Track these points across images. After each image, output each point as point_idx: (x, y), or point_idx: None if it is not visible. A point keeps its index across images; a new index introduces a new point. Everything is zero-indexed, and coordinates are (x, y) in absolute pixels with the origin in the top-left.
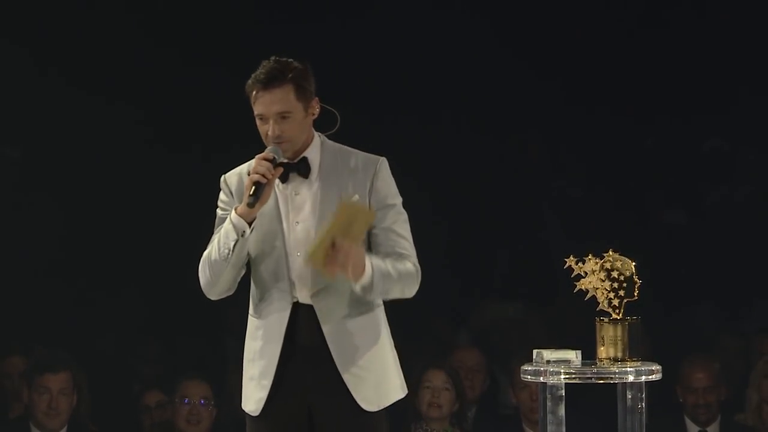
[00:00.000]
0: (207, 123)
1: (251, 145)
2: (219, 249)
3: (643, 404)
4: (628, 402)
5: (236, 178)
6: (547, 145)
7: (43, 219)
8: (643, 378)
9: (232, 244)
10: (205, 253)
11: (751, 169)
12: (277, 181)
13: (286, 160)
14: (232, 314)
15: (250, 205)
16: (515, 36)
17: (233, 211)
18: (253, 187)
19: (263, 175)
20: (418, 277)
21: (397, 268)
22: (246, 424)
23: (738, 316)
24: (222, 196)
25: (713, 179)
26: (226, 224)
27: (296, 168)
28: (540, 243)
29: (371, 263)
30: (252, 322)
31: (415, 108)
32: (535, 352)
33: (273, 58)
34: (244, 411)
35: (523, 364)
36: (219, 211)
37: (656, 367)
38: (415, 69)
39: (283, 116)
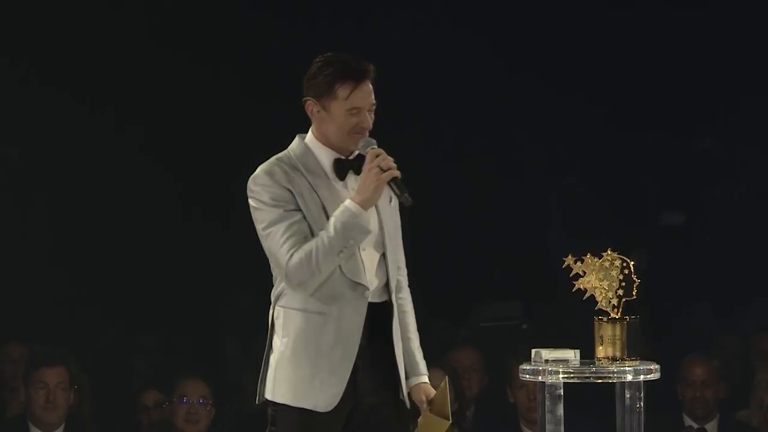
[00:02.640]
0: (204, 125)
1: (249, 148)
2: (338, 243)
3: (642, 403)
4: (627, 401)
5: (282, 173)
6: (546, 145)
7: (42, 218)
8: (642, 377)
9: (361, 237)
10: (309, 247)
11: (749, 168)
12: (333, 176)
13: (342, 157)
14: (230, 313)
15: (407, 201)
16: (517, 38)
17: (352, 204)
18: (398, 184)
19: (394, 168)
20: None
21: (414, 322)
22: (285, 420)
23: (737, 315)
24: (272, 191)
25: (712, 179)
26: (346, 218)
27: (353, 165)
28: (538, 242)
29: (426, 372)
30: (311, 318)
31: (416, 107)
32: (533, 351)
33: (333, 54)
34: (293, 407)
35: (521, 364)
36: (275, 208)
37: (655, 366)
38: (417, 72)
39: (371, 109)
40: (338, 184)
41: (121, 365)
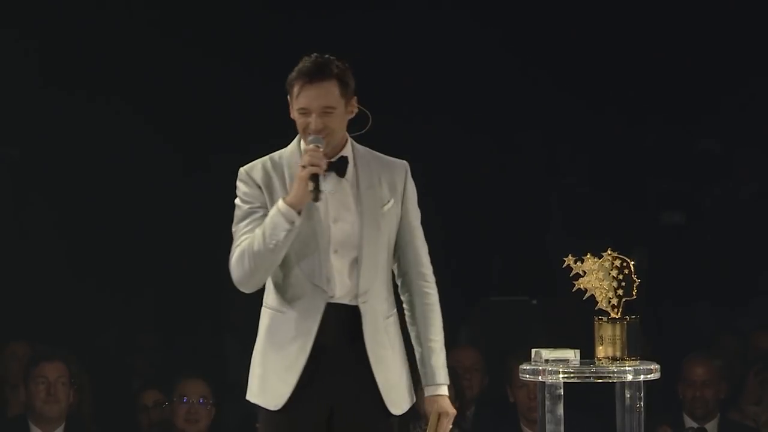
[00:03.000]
0: (207, 121)
1: (251, 145)
2: (265, 240)
3: (642, 403)
4: (627, 401)
5: (261, 171)
6: (547, 144)
7: (43, 217)
8: (642, 377)
9: (283, 234)
10: (243, 245)
11: (750, 168)
12: None
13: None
14: (230, 313)
15: (316, 199)
16: (516, 38)
17: (281, 201)
18: (313, 183)
19: (318, 166)
20: (437, 298)
21: (438, 328)
22: (260, 418)
23: (737, 314)
24: (245, 188)
25: (712, 179)
26: (273, 215)
27: (335, 166)
28: (539, 242)
29: (444, 381)
30: (275, 316)
31: (418, 109)
32: (533, 351)
33: (314, 54)
34: (254, 404)
35: (521, 363)
36: (243, 205)
37: (655, 366)
38: (418, 72)
39: (326, 111)
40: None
41: (121, 365)
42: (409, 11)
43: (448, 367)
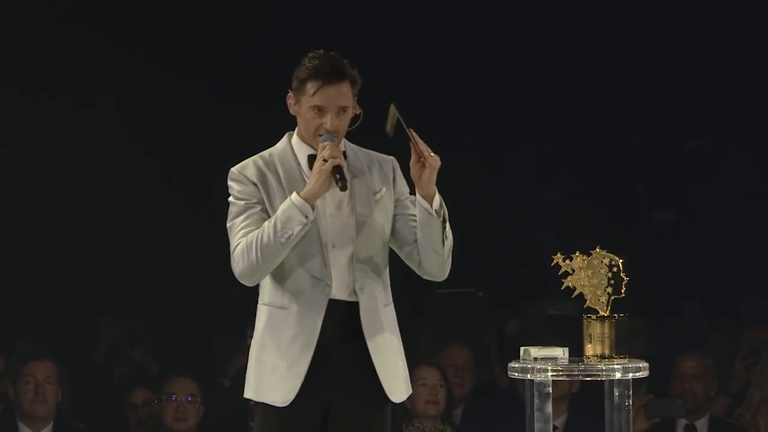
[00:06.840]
0: (193, 124)
1: (236, 146)
2: (275, 234)
3: (630, 401)
4: (615, 399)
5: (254, 168)
6: (537, 143)
7: (31, 216)
8: (630, 375)
9: (297, 228)
10: (249, 238)
11: (739, 167)
12: (309, 171)
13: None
14: (218, 312)
15: (344, 188)
16: (505, 38)
17: (295, 195)
18: (337, 173)
19: (339, 158)
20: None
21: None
22: (258, 416)
23: (727, 312)
24: (239, 186)
25: (702, 177)
26: (287, 209)
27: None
28: (528, 240)
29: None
30: (274, 313)
31: (406, 106)
32: (522, 349)
33: (322, 51)
34: (252, 402)
35: (510, 361)
36: (239, 201)
37: (643, 364)
38: (408, 70)
39: (341, 110)
40: None
41: (109, 363)
42: (403, 13)
43: (440, 366)
